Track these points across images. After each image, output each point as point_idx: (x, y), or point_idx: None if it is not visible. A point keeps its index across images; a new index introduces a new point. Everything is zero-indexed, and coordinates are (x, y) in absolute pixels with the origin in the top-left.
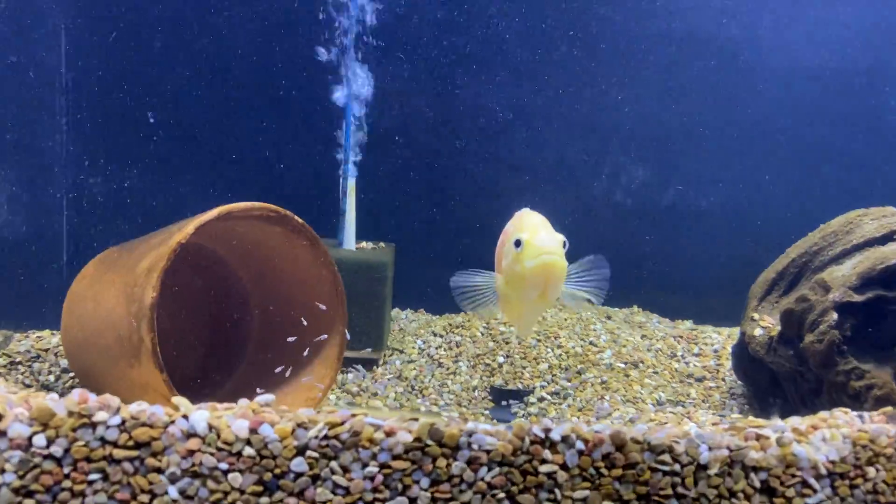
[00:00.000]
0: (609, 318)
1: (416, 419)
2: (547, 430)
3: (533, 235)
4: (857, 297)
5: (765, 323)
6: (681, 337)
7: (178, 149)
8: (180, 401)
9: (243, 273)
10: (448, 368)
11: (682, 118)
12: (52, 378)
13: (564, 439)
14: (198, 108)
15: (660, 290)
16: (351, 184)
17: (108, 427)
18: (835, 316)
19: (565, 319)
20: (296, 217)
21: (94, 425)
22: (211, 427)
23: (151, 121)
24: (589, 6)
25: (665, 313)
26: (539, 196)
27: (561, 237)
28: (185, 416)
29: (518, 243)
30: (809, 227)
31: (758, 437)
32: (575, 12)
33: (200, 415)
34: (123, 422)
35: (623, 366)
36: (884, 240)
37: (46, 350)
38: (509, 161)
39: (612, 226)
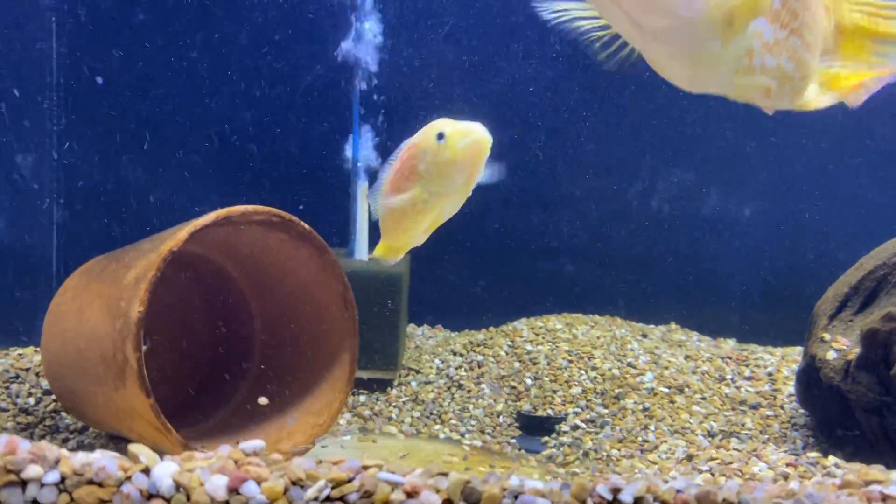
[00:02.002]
0: (645, 335)
1: (446, 474)
2: (616, 490)
3: (454, 126)
4: None
5: (838, 345)
6: (729, 358)
7: (177, 153)
8: (139, 449)
9: (244, 284)
10: (469, 391)
11: (726, 122)
12: (31, 401)
13: (638, 502)
14: (199, 111)
15: (699, 306)
16: (362, 187)
17: (42, 486)
18: None
19: (598, 338)
20: (301, 222)
21: (23, 484)
22: (178, 486)
23: (146, 123)
24: None
25: (705, 331)
26: (569, 205)
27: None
28: (146, 471)
29: (441, 136)
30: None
31: (884, 498)
32: None
33: (165, 469)
34: (63, 479)
35: (667, 391)
36: None
37: (27, 370)
38: (534, 168)
39: (646, 236)
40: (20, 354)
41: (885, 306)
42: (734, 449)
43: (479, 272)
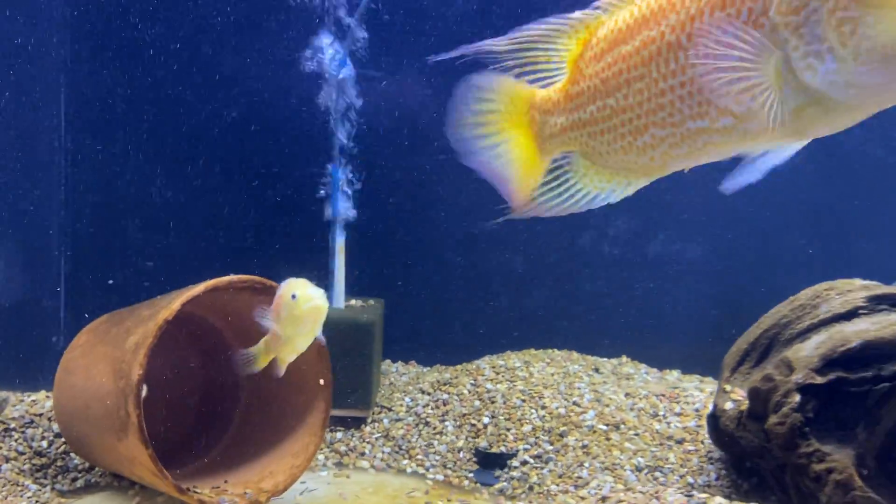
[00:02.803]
0: (597, 370)
1: None
2: None
3: (304, 289)
4: (820, 379)
5: (736, 396)
6: (663, 395)
7: (172, 209)
8: None
9: (231, 337)
10: (435, 428)
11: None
12: (44, 444)
13: None
14: (192, 174)
15: (647, 340)
16: (340, 244)
17: None
18: (797, 398)
19: (552, 375)
20: (277, 285)
21: None
22: None
23: (148, 177)
24: None
25: (653, 363)
26: (530, 247)
27: (322, 290)
28: None
29: (294, 296)
30: (793, 276)
31: None
32: None
33: None
34: None
35: (605, 428)
36: (848, 315)
37: (40, 415)
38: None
39: (600, 276)
40: (34, 401)
41: (773, 362)
42: (639, 491)
43: (448, 311)
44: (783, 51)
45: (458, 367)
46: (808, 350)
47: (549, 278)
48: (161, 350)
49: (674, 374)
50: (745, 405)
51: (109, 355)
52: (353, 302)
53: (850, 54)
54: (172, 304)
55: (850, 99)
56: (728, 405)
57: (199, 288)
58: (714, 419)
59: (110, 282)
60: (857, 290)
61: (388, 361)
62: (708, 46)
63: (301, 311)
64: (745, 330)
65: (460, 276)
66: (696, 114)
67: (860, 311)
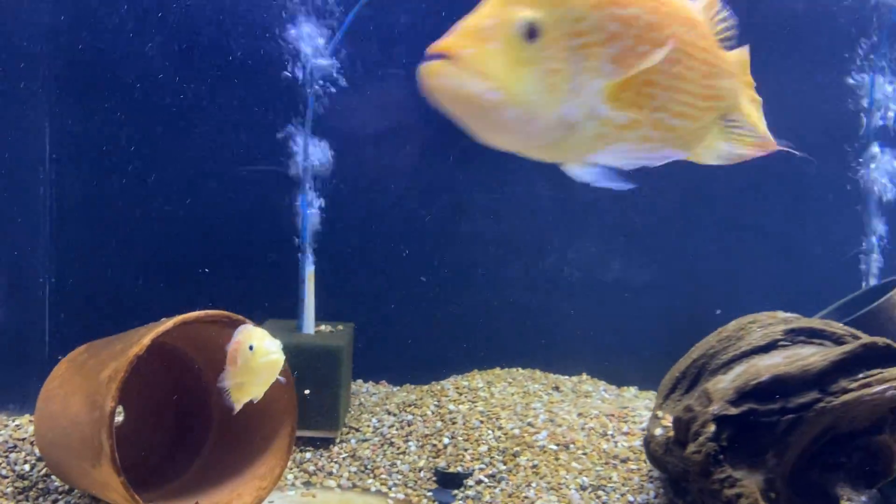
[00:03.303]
0: (557, 388)
1: None
2: None
3: (261, 342)
4: (734, 410)
5: (665, 422)
6: (612, 415)
7: (152, 238)
8: None
9: (202, 364)
10: (399, 448)
11: (628, 198)
12: (27, 467)
13: None
14: (172, 205)
15: (606, 358)
16: (309, 272)
17: None
18: (713, 428)
19: (512, 395)
20: (245, 320)
21: None
22: None
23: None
24: None
25: (612, 380)
26: (496, 271)
27: (278, 340)
28: None
29: (251, 347)
30: (744, 296)
31: None
32: None
33: None
34: None
35: (555, 448)
36: (767, 348)
37: (23, 439)
38: (466, 235)
39: (562, 298)
40: (17, 425)
41: (696, 393)
42: None
43: (417, 332)
44: None
45: (425, 387)
46: (726, 383)
47: (514, 300)
48: (135, 378)
49: (631, 391)
50: (671, 432)
51: (85, 387)
52: (322, 327)
53: None
54: (143, 339)
55: None
56: (658, 431)
57: (168, 324)
58: (647, 444)
59: (93, 307)
60: (777, 323)
61: (359, 381)
62: None
63: (256, 363)
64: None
65: (429, 298)
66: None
67: (779, 344)
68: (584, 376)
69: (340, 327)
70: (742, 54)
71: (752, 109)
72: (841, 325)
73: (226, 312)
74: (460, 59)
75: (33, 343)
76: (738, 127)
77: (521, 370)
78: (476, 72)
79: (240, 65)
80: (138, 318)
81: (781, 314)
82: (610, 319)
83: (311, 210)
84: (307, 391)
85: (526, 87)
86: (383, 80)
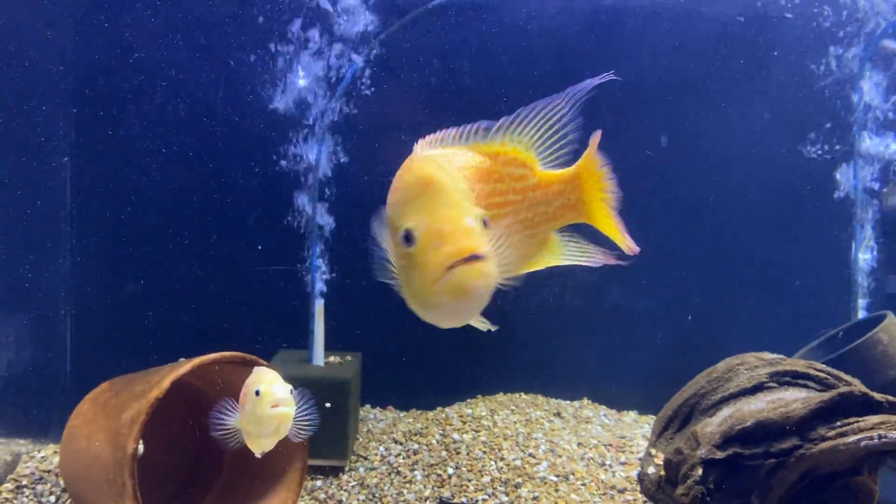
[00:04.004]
0: (559, 414)
1: None
2: None
3: (269, 387)
4: (720, 454)
5: (658, 461)
6: (611, 445)
7: (172, 275)
8: None
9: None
10: (405, 477)
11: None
12: (52, 499)
13: None
14: (192, 241)
15: (607, 383)
16: (319, 306)
17: None
18: (700, 472)
19: (515, 423)
20: (260, 360)
21: None
22: None
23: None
24: None
25: (613, 405)
26: (499, 299)
27: (289, 387)
28: None
29: (258, 393)
30: (740, 322)
31: None
32: None
33: None
34: None
35: (555, 479)
36: (753, 390)
37: (49, 471)
38: None
39: (563, 324)
40: (43, 457)
41: (685, 435)
42: None
43: (423, 359)
44: None
45: (430, 414)
46: (713, 426)
47: (518, 327)
48: (155, 415)
49: (631, 416)
50: (663, 471)
51: (108, 427)
52: (331, 359)
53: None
54: (163, 381)
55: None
56: (651, 469)
57: (187, 366)
58: (640, 480)
59: (114, 341)
60: (763, 365)
61: (367, 407)
62: None
63: (263, 411)
64: (696, 373)
65: (433, 327)
66: None
67: (765, 386)
68: (586, 401)
69: (349, 358)
70: (576, 171)
71: (602, 215)
72: (824, 366)
73: (241, 354)
74: (489, 258)
75: (56, 374)
76: (572, 241)
77: (523, 395)
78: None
79: (255, 114)
80: (158, 349)
81: (768, 355)
82: (610, 345)
83: (319, 262)
84: (327, 404)
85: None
86: (389, 122)
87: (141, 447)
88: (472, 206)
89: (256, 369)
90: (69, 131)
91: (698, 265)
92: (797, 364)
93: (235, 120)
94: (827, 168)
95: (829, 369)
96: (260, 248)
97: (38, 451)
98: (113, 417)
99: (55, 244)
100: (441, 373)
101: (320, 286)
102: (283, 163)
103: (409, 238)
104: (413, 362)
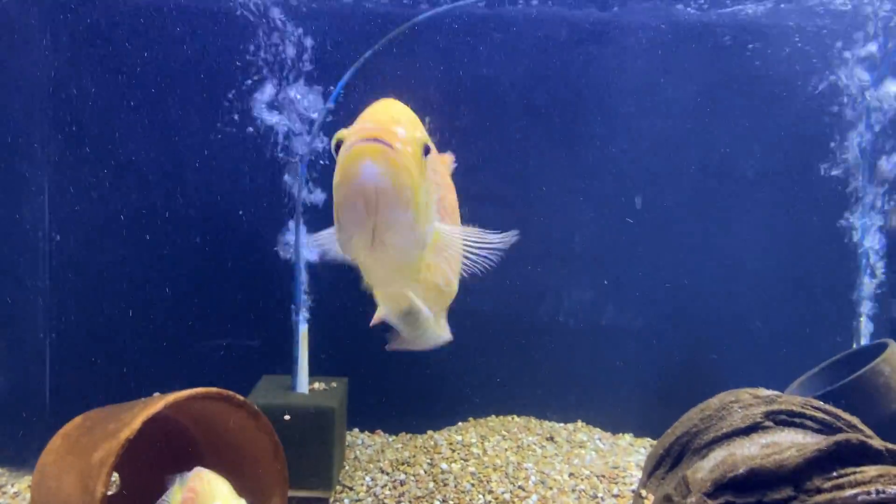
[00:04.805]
0: (552, 438)
1: None
2: None
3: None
4: (711, 503)
5: (648, 502)
6: (603, 476)
7: (151, 299)
8: None
9: (197, 434)
10: None
11: (621, 249)
12: None
13: None
14: (171, 267)
15: (602, 405)
16: (303, 331)
17: None
18: None
19: (505, 451)
20: (237, 396)
21: None
22: None
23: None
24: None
25: (608, 427)
26: (492, 317)
27: (418, 135)
28: None
29: (339, 147)
30: (736, 341)
31: None
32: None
33: None
34: None
35: None
36: (747, 431)
37: None
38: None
39: (556, 344)
40: (16, 493)
41: (675, 479)
42: None
43: (412, 381)
44: None
45: (419, 441)
46: (704, 472)
47: (510, 347)
48: (128, 452)
49: (626, 439)
50: None
51: (78, 467)
52: (316, 385)
53: None
54: (134, 421)
55: None
56: None
57: (158, 405)
58: None
59: (94, 364)
60: (758, 404)
61: (355, 430)
62: None
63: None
64: (692, 393)
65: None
66: None
67: (759, 427)
68: (580, 423)
69: (334, 384)
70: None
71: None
72: (822, 405)
73: (217, 390)
74: (403, 154)
75: (35, 398)
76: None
77: (516, 418)
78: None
79: (241, 140)
80: (139, 372)
81: (763, 392)
82: (605, 365)
83: (303, 276)
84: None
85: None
86: None
87: (116, 479)
88: (419, 134)
89: (199, 473)
90: (47, 152)
91: (696, 284)
92: (794, 402)
93: (220, 148)
94: (833, 185)
95: (828, 408)
96: (243, 271)
97: (12, 485)
98: (83, 456)
99: (33, 266)
100: (431, 395)
101: (304, 312)
102: (265, 188)
103: (338, 147)
104: (402, 384)
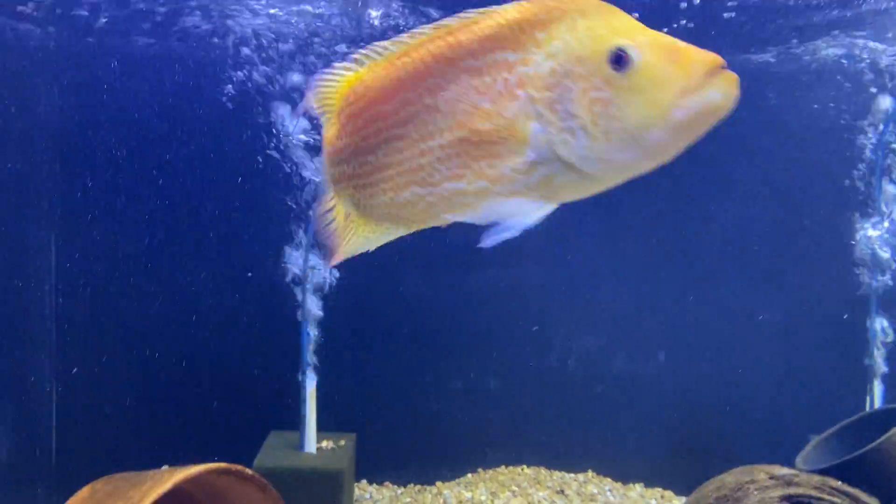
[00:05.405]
0: (562, 491)
1: None
2: None
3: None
4: None
5: None
6: None
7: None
8: None
9: (204, 500)
10: None
11: (627, 297)
12: None
13: None
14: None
15: (612, 454)
16: (311, 389)
17: None
18: None
19: None
20: (246, 469)
21: None
22: None
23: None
24: None
25: (618, 476)
26: (500, 366)
27: None
28: None
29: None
30: (749, 390)
31: None
32: None
33: None
34: None
35: None
36: None
37: None
38: (469, 331)
39: (566, 392)
40: None
41: None
42: None
43: (421, 430)
44: (538, 122)
45: (428, 498)
46: None
47: (520, 396)
48: None
49: (637, 489)
50: None
51: None
52: (324, 444)
53: (601, 133)
54: (144, 500)
55: (599, 172)
56: None
57: (167, 484)
58: None
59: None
60: (774, 486)
61: (363, 483)
62: (462, 111)
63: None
64: (702, 445)
65: (432, 397)
66: (454, 175)
67: None
68: (591, 474)
69: (342, 442)
70: None
71: None
72: (839, 485)
73: (225, 465)
74: None
75: (41, 455)
76: None
77: (526, 469)
78: None
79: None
80: (145, 430)
81: (779, 471)
82: (615, 413)
83: (311, 330)
84: None
85: None
86: None
87: None
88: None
89: None
90: (54, 207)
91: (706, 332)
92: (811, 484)
93: (228, 204)
94: (844, 229)
95: (846, 489)
96: (251, 326)
97: None
98: None
99: (40, 325)
100: (441, 446)
101: (311, 371)
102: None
103: (620, 60)
104: (411, 435)
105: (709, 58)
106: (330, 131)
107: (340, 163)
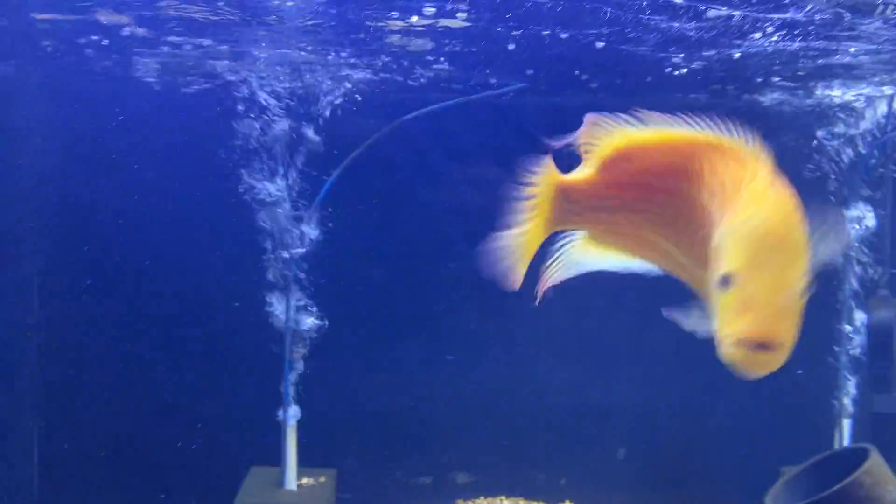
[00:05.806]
0: None
1: None
2: None
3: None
4: None
5: None
6: None
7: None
8: None
9: None
10: None
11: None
12: None
13: None
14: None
15: (591, 485)
16: (291, 426)
17: None
18: None
19: None
20: None
21: None
22: None
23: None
24: None
25: None
26: (480, 398)
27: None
28: None
29: (727, 280)
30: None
31: None
32: None
33: None
34: None
35: None
36: None
37: None
38: (448, 366)
39: (545, 424)
40: None
41: None
42: None
43: (399, 462)
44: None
45: None
46: None
47: (498, 427)
48: None
49: None
50: None
51: None
52: (304, 480)
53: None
54: None
55: None
56: None
57: None
58: None
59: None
60: None
61: None
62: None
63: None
64: (686, 478)
65: (410, 432)
66: (686, 250)
67: None
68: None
69: (322, 479)
70: None
71: None
72: None
73: None
74: (783, 349)
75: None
76: None
77: (504, 500)
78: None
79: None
80: (126, 464)
81: None
82: (592, 445)
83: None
84: None
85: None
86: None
87: None
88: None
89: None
90: (37, 236)
91: (684, 363)
92: None
93: (212, 246)
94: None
95: None
96: (231, 364)
97: None
98: None
99: (21, 359)
100: (419, 477)
101: (291, 408)
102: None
103: (726, 281)
104: (391, 467)
105: (747, 329)
106: (586, 170)
107: (598, 198)
